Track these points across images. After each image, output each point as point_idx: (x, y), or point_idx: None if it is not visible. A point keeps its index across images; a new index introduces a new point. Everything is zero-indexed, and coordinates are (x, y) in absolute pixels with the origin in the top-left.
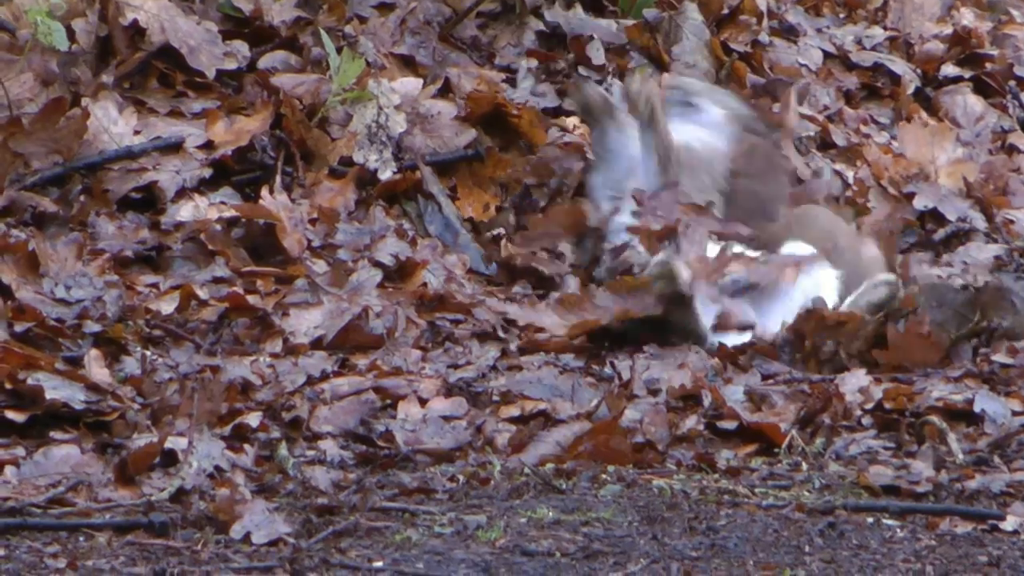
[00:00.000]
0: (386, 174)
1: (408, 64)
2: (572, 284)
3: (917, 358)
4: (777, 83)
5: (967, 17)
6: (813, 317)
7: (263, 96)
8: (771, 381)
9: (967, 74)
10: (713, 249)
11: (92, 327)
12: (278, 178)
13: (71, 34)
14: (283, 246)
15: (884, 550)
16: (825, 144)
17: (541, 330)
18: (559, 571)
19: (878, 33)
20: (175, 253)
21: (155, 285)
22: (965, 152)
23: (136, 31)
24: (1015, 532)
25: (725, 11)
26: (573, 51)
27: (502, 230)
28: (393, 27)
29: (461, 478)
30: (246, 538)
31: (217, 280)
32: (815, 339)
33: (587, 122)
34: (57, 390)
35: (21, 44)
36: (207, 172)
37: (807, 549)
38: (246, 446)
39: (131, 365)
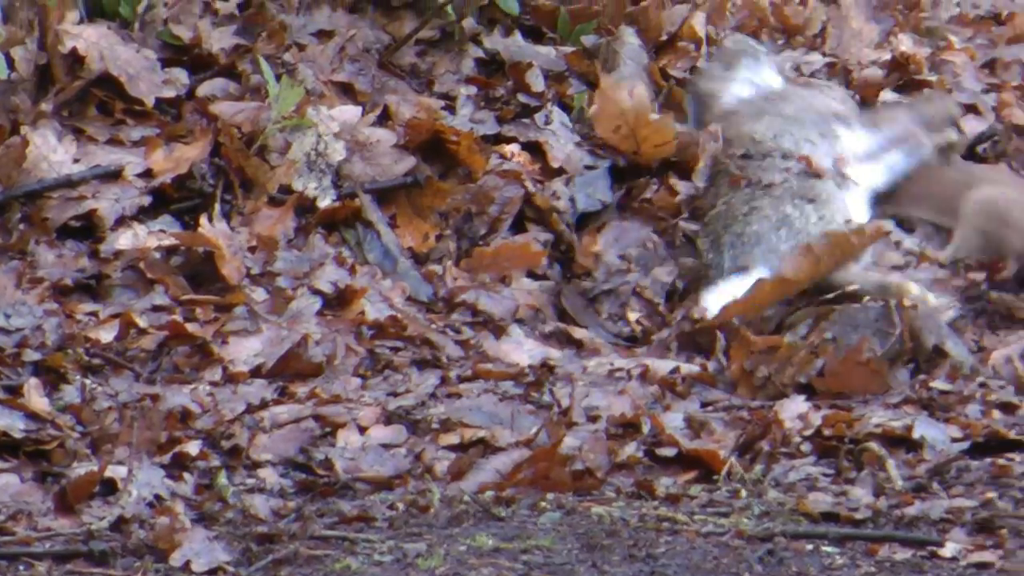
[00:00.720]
0: (325, 202)
1: (347, 91)
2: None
3: (855, 386)
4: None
5: (905, 43)
6: (741, 344)
7: (202, 124)
8: (711, 408)
9: (906, 100)
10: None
11: (32, 355)
12: (217, 206)
13: (10, 62)
14: (223, 274)
15: None
16: None
17: (488, 359)
18: None
19: (817, 59)
20: (115, 281)
21: (95, 313)
22: None
23: (75, 59)
24: (954, 558)
25: (664, 37)
26: (512, 78)
27: (443, 258)
28: (332, 54)
29: (401, 506)
30: (186, 566)
31: (157, 308)
32: (746, 365)
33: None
34: None
35: None
36: (146, 200)
37: None
38: (186, 474)
39: (71, 393)
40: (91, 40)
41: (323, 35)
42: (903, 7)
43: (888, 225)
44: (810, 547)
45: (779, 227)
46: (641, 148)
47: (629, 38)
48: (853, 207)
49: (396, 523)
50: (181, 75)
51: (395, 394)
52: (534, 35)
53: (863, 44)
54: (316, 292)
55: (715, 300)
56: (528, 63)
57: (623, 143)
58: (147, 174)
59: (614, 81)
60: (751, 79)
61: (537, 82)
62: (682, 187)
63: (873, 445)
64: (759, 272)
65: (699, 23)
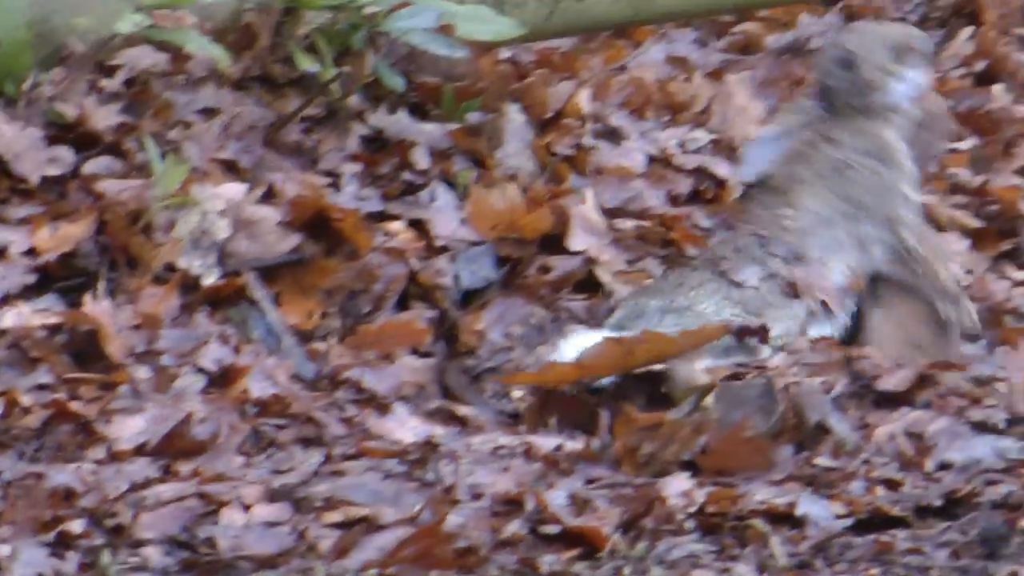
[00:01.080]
0: (210, 280)
1: (232, 169)
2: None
3: (739, 463)
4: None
5: None
6: (624, 421)
7: (87, 202)
8: (594, 485)
9: None
10: None
11: None
12: (102, 284)
13: None
14: (106, 352)
15: None
16: None
17: (372, 436)
18: None
19: (702, 136)
20: None
21: None
22: None
23: None
24: None
25: (549, 114)
26: (397, 155)
27: (327, 335)
28: (218, 132)
29: None
30: None
31: (41, 387)
32: (629, 442)
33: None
34: None
35: None
36: (31, 279)
37: None
38: (69, 553)
39: None
40: None
41: (208, 112)
42: (788, 83)
43: (732, 326)
44: None
45: (666, 313)
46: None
47: (515, 115)
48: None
49: None
50: (67, 153)
51: (279, 472)
52: (419, 112)
53: (748, 120)
54: (200, 370)
55: (569, 348)
56: (413, 141)
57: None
58: (31, 252)
59: (484, 187)
60: (916, 84)
61: (422, 160)
62: (558, 263)
63: (757, 522)
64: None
65: (584, 100)
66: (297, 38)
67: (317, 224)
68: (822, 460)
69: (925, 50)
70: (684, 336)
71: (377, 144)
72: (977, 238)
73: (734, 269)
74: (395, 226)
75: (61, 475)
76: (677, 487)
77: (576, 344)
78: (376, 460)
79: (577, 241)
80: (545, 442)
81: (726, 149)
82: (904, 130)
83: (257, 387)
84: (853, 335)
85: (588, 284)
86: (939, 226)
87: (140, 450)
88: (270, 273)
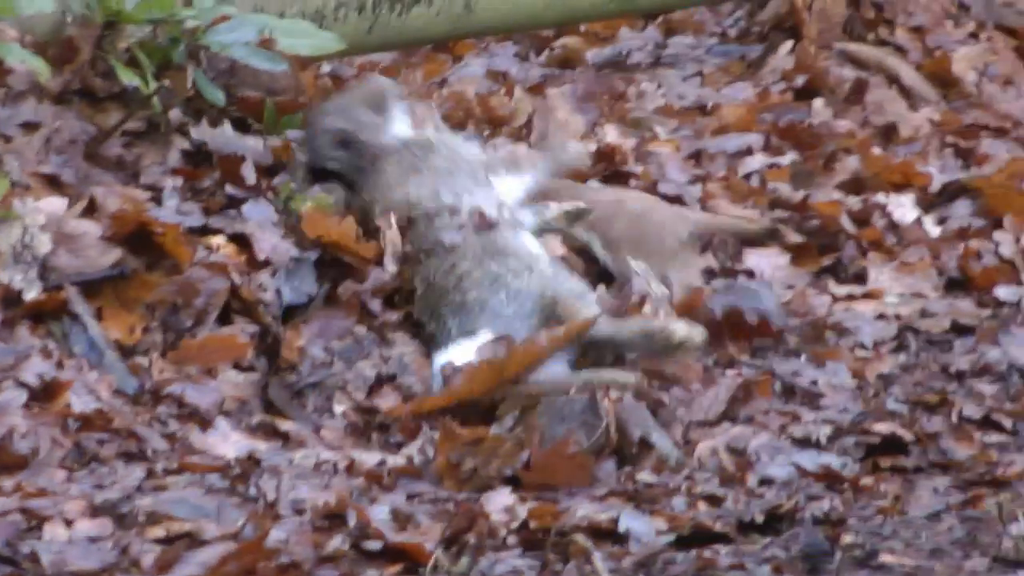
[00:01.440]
0: (31, 294)
1: (53, 183)
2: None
3: (561, 479)
4: None
5: (611, 134)
6: (447, 435)
7: None
8: (417, 500)
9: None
10: None
11: None
12: None
13: None
14: None
15: None
16: None
17: (194, 451)
18: None
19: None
20: None
21: None
22: None
23: None
24: None
25: None
26: (221, 169)
27: (149, 350)
28: (39, 146)
29: None
30: None
31: None
32: (451, 458)
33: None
34: None
35: None
36: None
37: None
38: None
39: None
40: None
41: (29, 127)
42: (609, 98)
43: (591, 315)
44: None
45: (497, 290)
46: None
47: None
48: (533, 249)
49: None
50: None
51: (101, 487)
52: (241, 126)
53: (568, 134)
54: (22, 384)
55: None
56: (238, 155)
57: (329, 248)
58: None
59: (320, 208)
60: (403, 123)
61: (248, 175)
62: (370, 276)
63: (579, 538)
64: (485, 335)
65: None
66: (118, 52)
67: (138, 238)
68: (644, 476)
69: (391, 87)
70: (551, 339)
71: (198, 158)
72: (797, 253)
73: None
74: (217, 240)
75: None
76: (500, 502)
77: (448, 359)
78: (198, 475)
79: (390, 264)
80: (367, 457)
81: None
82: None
83: (79, 402)
84: None
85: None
86: (758, 240)
87: None
88: (92, 288)
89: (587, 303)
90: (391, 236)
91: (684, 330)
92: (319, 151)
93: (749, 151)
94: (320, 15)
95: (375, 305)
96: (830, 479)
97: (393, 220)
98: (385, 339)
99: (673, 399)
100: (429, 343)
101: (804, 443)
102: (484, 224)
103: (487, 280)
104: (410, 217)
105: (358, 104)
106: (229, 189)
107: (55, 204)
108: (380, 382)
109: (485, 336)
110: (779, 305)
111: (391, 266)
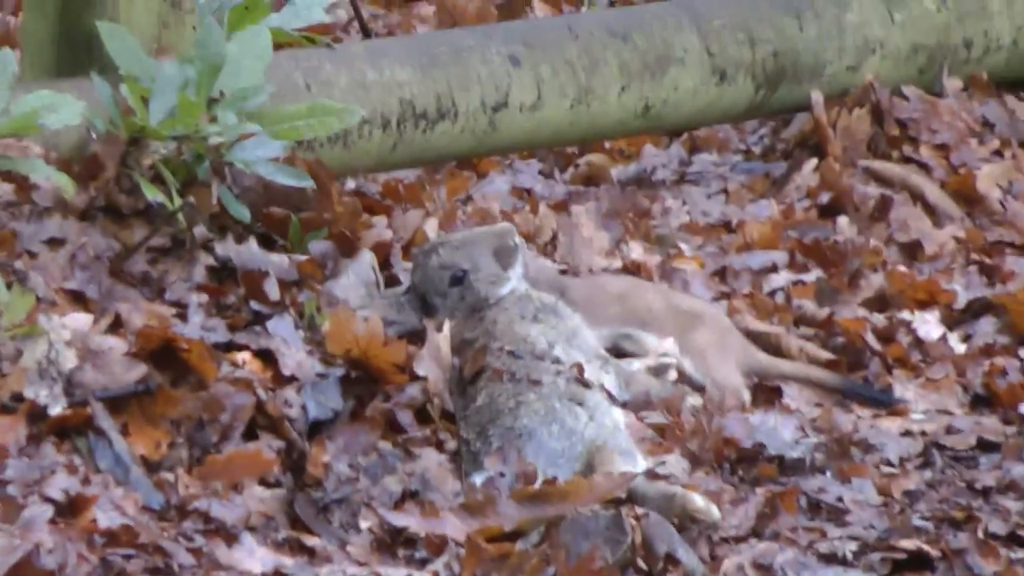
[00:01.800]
0: (56, 409)
1: (78, 299)
2: None
3: None
4: None
5: (636, 250)
6: (473, 550)
7: None
8: None
9: None
10: None
11: None
12: None
13: None
14: None
15: None
16: None
17: (220, 567)
18: None
19: (549, 266)
20: None
21: None
22: None
23: None
24: None
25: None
26: (245, 285)
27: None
28: (63, 262)
29: None
30: None
31: None
32: (477, 573)
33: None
34: None
35: None
36: None
37: None
38: None
39: None
40: None
41: (54, 243)
42: (633, 215)
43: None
44: None
45: (550, 423)
46: (373, 363)
47: (362, 252)
48: (603, 405)
49: None
50: None
51: None
52: (266, 242)
53: (593, 251)
54: (47, 500)
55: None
56: (262, 271)
57: (355, 363)
58: None
59: (347, 312)
60: (522, 278)
61: (272, 291)
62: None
63: None
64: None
65: (431, 229)
66: (143, 168)
67: (164, 354)
68: None
69: (519, 242)
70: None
71: (223, 274)
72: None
73: (524, 374)
74: (242, 356)
75: None
76: None
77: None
78: None
79: (422, 366)
80: (394, 572)
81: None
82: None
83: (105, 517)
84: None
85: (427, 415)
86: (788, 357)
87: None
88: (117, 403)
89: (630, 461)
90: (437, 340)
91: (702, 503)
92: (430, 284)
93: (774, 268)
94: (345, 133)
95: (405, 417)
96: None
97: (446, 326)
98: (410, 454)
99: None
100: (468, 460)
101: (830, 559)
102: (580, 381)
103: (544, 412)
104: (513, 351)
105: (485, 250)
106: (254, 305)
107: (80, 320)
108: (403, 498)
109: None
110: (796, 442)
111: (422, 369)
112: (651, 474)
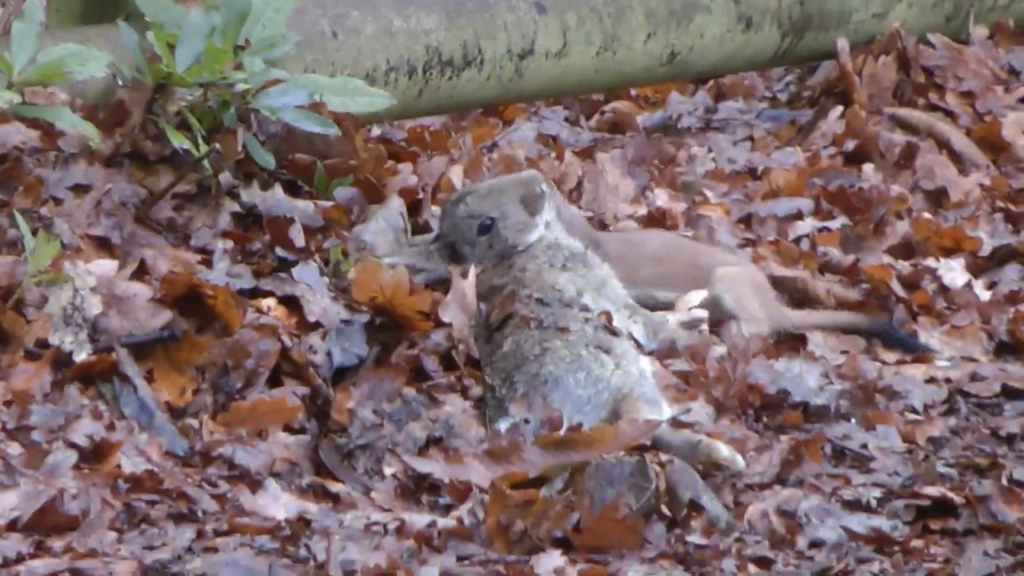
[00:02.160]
0: (81, 356)
1: (103, 245)
2: None
3: (611, 541)
4: None
5: (661, 198)
6: (497, 497)
7: None
8: (466, 562)
9: None
10: None
11: None
12: None
13: None
14: None
15: None
16: None
17: (244, 513)
18: None
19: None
20: None
21: None
22: None
23: None
24: None
25: (420, 195)
26: (270, 232)
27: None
28: (88, 209)
29: None
30: None
31: None
32: (501, 519)
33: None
34: None
35: None
36: None
37: None
38: None
39: None
40: None
41: (79, 189)
42: (659, 163)
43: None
44: None
45: (576, 370)
46: (398, 311)
47: (391, 199)
48: (631, 354)
49: None
50: None
51: (151, 548)
52: (291, 189)
53: (619, 199)
54: (71, 446)
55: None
56: (288, 218)
57: (380, 310)
58: None
59: (373, 262)
60: (551, 225)
61: (297, 237)
62: (423, 340)
63: None
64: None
65: (456, 176)
66: (168, 115)
67: (189, 301)
68: (694, 538)
69: (548, 189)
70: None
71: (248, 221)
72: None
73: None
74: (267, 303)
75: None
76: (549, 565)
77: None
78: (249, 537)
79: (448, 312)
80: (418, 519)
81: (597, 226)
82: (556, 257)
83: (129, 463)
84: None
85: (452, 361)
86: (816, 300)
87: (12, 526)
88: (142, 350)
89: (655, 409)
90: (463, 287)
91: (727, 452)
92: (458, 233)
93: (799, 215)
94: (371, 79)
95: (430, 364)
96: (880, 542)
97: (472, 272)
98: (435, 401)
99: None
100: (493, 407)
101: (854, 506)
102: (609, 330)
103: (570, 360)
104: (542, 299)
105: (512, 198)
106: (279, 252)
107: (105, 266)
108: (427, 444)
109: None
110: (820, 389)
111: (447, 316)
112: (676, 422)
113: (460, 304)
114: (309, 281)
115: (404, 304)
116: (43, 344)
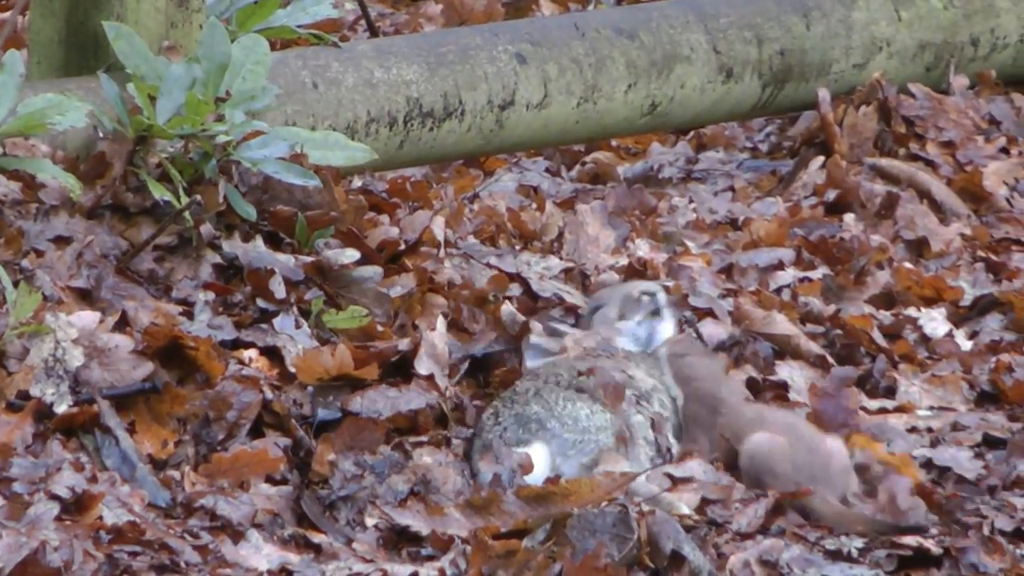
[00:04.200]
0: (62, 407)
1: (85, 297)
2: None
3: None
4: None
5: (642, 248)
6: (479, 547)
7: None
8: None
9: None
10: None
11: None
12: None
13: None
14: None
15: None
16: None
17: (227, 564)
18: None
19: (555, 264)
20: None
21: None
22: None
23: None
24: None
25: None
26: (251, 284)
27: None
28: (70, 260)
29: None
30: None
31: None
32: (484, 570)
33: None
34: None
35: None
36: None
37: None
38: None
39: None
40: None
41: (61, 241)
42: (640, 213)
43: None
44: None
45: (562, 418)
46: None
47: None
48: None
49: None
50: None
51: None
52: (272, 241)
53: (599, 250)
54: (54, 498)
55: (491, 469)
56: (268, 269)
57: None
58: None
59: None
60: (638, 337)
61: (278, 289)
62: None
63: None
64: (538, 449)
65: (438, 228)
66: (149, 167)
67: (170, 352)
68: None
69: (657, 302)
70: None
71: (230, 272)
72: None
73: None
74: (248, 354)
75: None
76: None
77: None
78: None
79: (423, 365)
80: (400, 570)
81: (578, 277)
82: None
83: (111, 515)
84: None
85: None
86: (794, 354)
87: None
88: (124, 401)
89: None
90: (432, 338)
91: (686, 510)
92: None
93: (780, 265)
94: (352, 130)
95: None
96: None
97: (440, 323)
98: (415, 453)
99: (715, 515)
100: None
101: (836, 556)
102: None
103: (563, 403)
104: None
105: (617, 296)
106: (260, 303)
107: (87, 318)
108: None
109: (538, 451)
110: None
111: (424, 368)
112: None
113: (431, 356)
114: (290, 332)
115: (355, 378)
116: (25, 396)
